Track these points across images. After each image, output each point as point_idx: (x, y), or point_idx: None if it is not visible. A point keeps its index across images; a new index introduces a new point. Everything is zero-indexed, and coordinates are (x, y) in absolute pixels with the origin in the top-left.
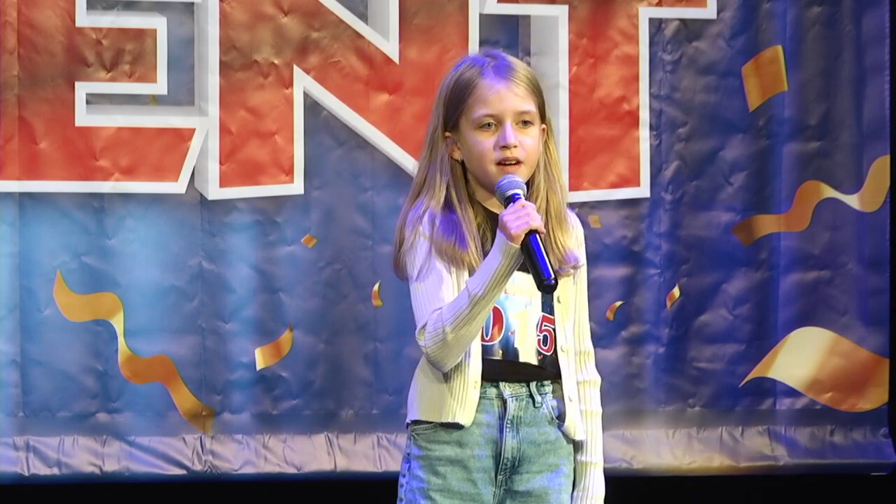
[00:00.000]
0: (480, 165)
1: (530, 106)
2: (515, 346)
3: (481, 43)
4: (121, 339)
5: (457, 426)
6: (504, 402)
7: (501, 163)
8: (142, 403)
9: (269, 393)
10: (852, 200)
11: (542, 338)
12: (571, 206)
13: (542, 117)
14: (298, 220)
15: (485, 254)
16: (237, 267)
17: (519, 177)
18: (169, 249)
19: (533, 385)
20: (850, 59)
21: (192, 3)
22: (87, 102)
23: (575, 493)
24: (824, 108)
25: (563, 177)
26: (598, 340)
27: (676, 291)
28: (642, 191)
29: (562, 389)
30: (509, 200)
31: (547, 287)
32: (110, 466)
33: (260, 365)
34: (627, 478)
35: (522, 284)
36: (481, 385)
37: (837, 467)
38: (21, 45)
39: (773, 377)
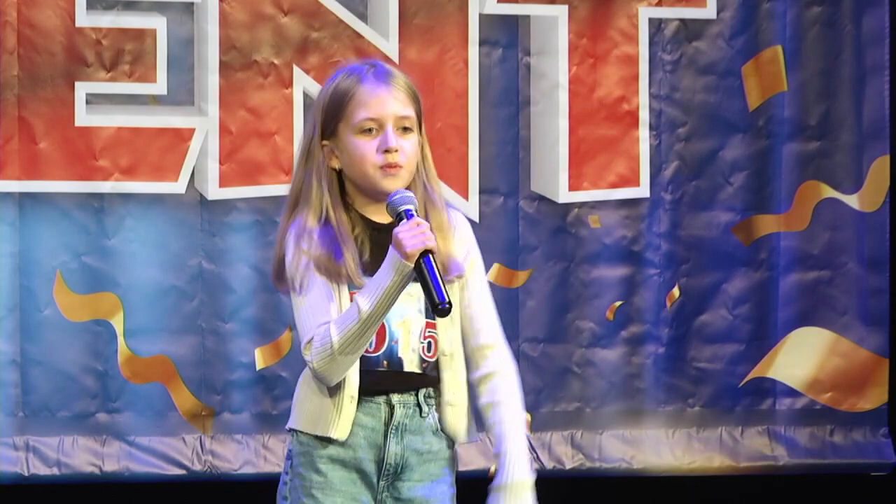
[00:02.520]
0: (361, 170)
1: (410, 112)
2: (399, 355)
3: (481, 43)
4: (121, 339)
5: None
6: (392, 407)
7: (383, 167)
8: (142, 403)
9: (269, 393)
10: (852, 200)
11: (426, 345)
12: (571, 206)
13: (420, 125)
14: None
15: (363, 265)
16: (237, 267)
17: (409, 191)
18: (169, 249)
19: (421, 394)
20: (850, 59)
21: (192, 3)
22: (87, 102)
23: (491, 485)
24: (824, 108)
25: (439, 184)
26: (598, 340)
27: (676, 291)
28: (642, 191)
29: (441, 395)
30: (401, 216)
31: (441, 311)
32: (110, 466)
33: (260, 365)
34: (627, 478)
35: (406, 289)
36: (365, 395)
37: (837, 467)
38: (21, 45)
39: (772, 377)
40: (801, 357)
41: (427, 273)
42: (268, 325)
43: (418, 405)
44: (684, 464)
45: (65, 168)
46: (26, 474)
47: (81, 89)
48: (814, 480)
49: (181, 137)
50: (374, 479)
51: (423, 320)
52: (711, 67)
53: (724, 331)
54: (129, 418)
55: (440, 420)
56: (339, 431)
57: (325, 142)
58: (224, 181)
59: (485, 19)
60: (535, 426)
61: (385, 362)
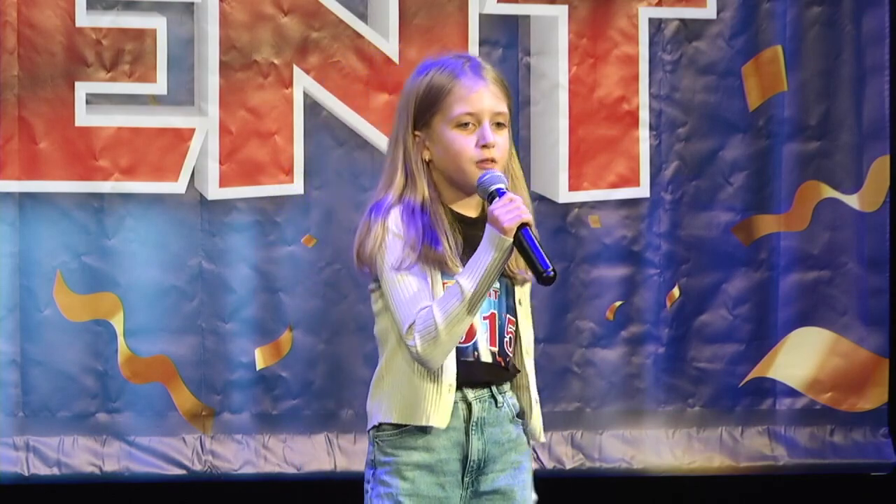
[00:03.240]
0: (457, 164)
1: (504, 108)
2: (488, 347)
3: (481, 43)
4: (121, 339)
5: (426, 430)
6: (469, 405)
7: (480, 162)
8: (142, 403)
9: (269, 393)
10: (852, 200)
11: (507, 339)
12: (571, 206)
13: (511, 121)
14: (298, 220)
15: (458, 256)
16: (237, 267)
17: (498, 170)
18: (169, 249)
19: (494, 386)
20: (850, 59)
21: (192, 3)
22: (87, 102)
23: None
24: (824, 108)
25: (524, 182)
26: (598, 340)
27: (676, 291)
28: (642, 191)
29: (525, 391)
30: (493, 195)
31: (546, 279)
32: (110, 466)
33: (260, 365)
34: (627, 478)
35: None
36: (461, 386)
37: (837, 467)
38: (21, 45)
39: (772, 377)
40: (801, 357)
41: (527, 244)
42: (268, 325)
43: (492, 397)
44: (684, 464)
45: (65, 168)
46: (26, 474)
47: (81, 89)
48: (814, 480)
49: (181, 137)
50: (460, 478)
51: (506, 316)
52: (711, 67)
53: (724, 331)
54: (129, 418)
55: (521, 413)
56: (439, 419)
57: (417, 133)
58: (224, 181)
59: (485, 19)
60: None
61: (475, 353)
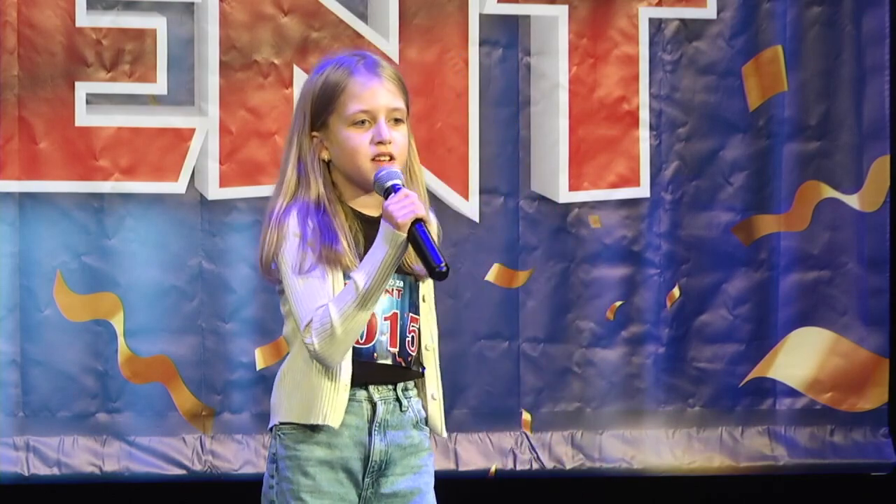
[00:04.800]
0: (353, 162)
1: (401, 103)
2: (387, 348)
3: (481, 43)
4: (121, 339)
5: (325, 428)
6: (374, 405)
7: (376, 158)
8: (142, 403)
9: (270, 393)
10: (852, 200)
11: (410, 339)
12: (571, 206)
13: (408, 115)
14: None
15: (358, 254)
16: (237, 267)
17: (394, 166)
18: (169, 249)
19: (399, 388)
20: (850, 59)
21: (192, 3)
22: (87, 102)
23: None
24: (824, 108)
25: (423, 175)
26: (598, 340)
27: (676, 291)
28: (642, 191)
29: (425, 388)
30: (389, 191)
31: (439, 274)
32: (110, 466)
33: (260, 365)
34: (627, 478)
35: (391, 285)
36: (351, 388)
37: (837, 467)
38: (21, 45)
39: (773, 377)
40: (802, 357)
41: (421, 239)
42: (268, 325)
43: (398, 400)
44: (684, 464)
45: (65, 168)
46: (26, 474)
47: (81, 89)
48: (814, 480)
49: (181, 137)
50: (360, 477)
51: (408, 315)
52: (711, 67)
53: (725, 331)
54: (130, 418)
55: (425, 417)
56: (334, 418)
57: (315, 133)
58: (224, 181)
59: (485, 19)
60: (535, 426)
61: (374, 354)
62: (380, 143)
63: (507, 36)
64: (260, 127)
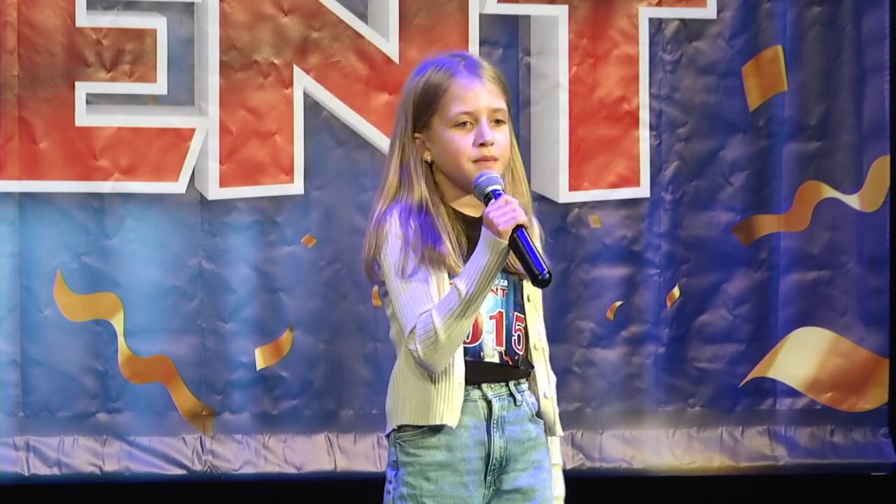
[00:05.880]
0: (456, 163)
1: (502, 104)
2: (494, 347)
3: (481, 43)
4: (121, 339)
5: (444, 428)
6: (489, 402)
7: (479, 160)
8: (142, 403)
9: (269, 393)
10: (852, 200)
11: (516, 337)
12: (571, 206)
13: (510, 117)
14: (298, 220)
15: (462, 255)
16: (237, 267)
17: (494, 171)
18: (169, 249)
19: (511, 384)
20: (850, 59)
21: (192, 3)
22: (87, 102)
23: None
24: (824, 108)
25: (525, 175)
26: (598, 340)
27: (676, 291)
28: (642, 191)
29: (537, 387)
30: (489, 197)
31: (542, 282)
32: (110, 466)
33: (260, 365)
34: (627, 478)
35: (494, 284)
36: (465, 387)
37: (837, 467)
38: (21, 45)
39: (773, 377)
40: (802, 357)
41: (523, 246)
42: (268, 325)
43: (511, 395)
44: (684, 464)
45: (65, 168)
46: (26, 474)
47: (81, 89)
48: (814, 480)
49: (181, 137)
50: (483, 476)
51: (513, 313)
52: (711, 67)
53: (725, 331)
54: (130, 418)
55: (539, 412)
56: (451, 417)
57: (417, 135)
58: (224, 181)
59: (485, 19)
60: None
61: (481, 353)
62: (482, 144)
63: (507, 36)
64: (260, 127)
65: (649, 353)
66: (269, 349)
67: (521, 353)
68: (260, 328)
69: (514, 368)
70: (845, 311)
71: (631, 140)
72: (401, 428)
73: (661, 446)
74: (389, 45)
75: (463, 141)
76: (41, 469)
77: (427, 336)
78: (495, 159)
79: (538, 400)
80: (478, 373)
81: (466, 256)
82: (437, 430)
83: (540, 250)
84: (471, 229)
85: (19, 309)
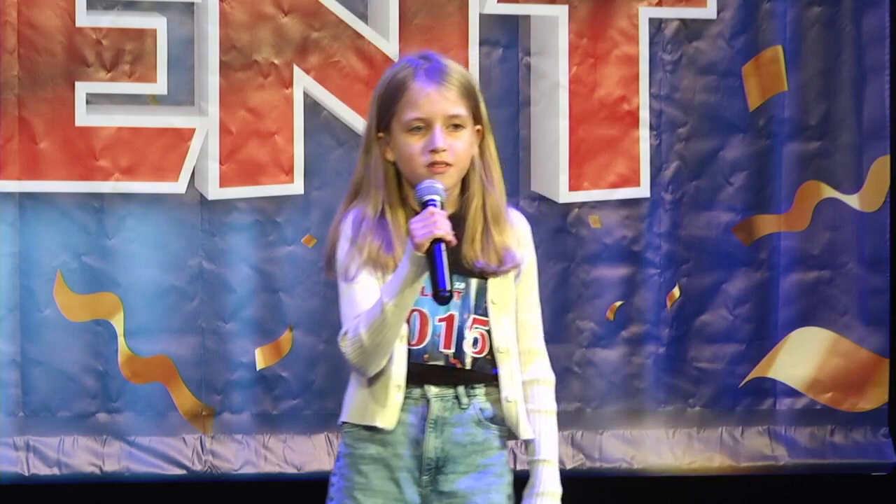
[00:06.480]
0: (410, 168)
1: (461, 110)
2: (441, 350)
3: (481, 43)
4: (121, 339)
5: (381, 428)
6: (428, 402)
7: (430, 165)
8: (142, 403)
9: (269, 393)
10: (852, 200)
11: (471, 340)
12: (571, 206)
13: (477, 119)
14: (298, 220)
15: None
16: (237, 267)
17: (442, 182)
18: (169, 249)
19: (461, 387)
20: (850, 59)
21: (192, 3)
22: (87, 102)
23: (526, 491)
24: (824, 108)
25: (500, 176)
26: (598, 340)
27: (676, 291)
28: (642, 191)
29: (498, 391)
30: (424, 206)
31: (440, 299)
32: (110, 466)
33: (260, 365)
34: (627, 478)
35: (456, 287)
36: (406, 387)
37: (837, 467)
38: (21, 45)
39: (773, 377)
40: (802, 357)
41: (434, 260)
42: (268, 325)
43: (457, 397)
44: (684, 464)
45: (65, 168)
46: (26, 474)
47: (81, 89)
48: (814, 480)
49: (181, 137)
50: (418, 475)
51: (470, 315)
52: (711, 67)
53: (725, 331)
54: (130, 418)
55: (496, 417)
56: (386, 420)
57: (380, 134)
58: (224, 181)
59: (485, 19)
60: None
61: (426, 356)
62: (433, 150)
63: (507, 36)
64: (260, 127)
65: (649, 353)
66: (269, 349)
67: (477, 355)
68: (260, 328)
69: (469, 372)
70: (845, 311)
71: (631, 140)
72: (344, 423)
73: (661, 446)
74: (389, 45)
75: (415, 147)
76: (41, 469)
77: (355, 341)
78: (448, 165)
79: (500, 403)
80: (421, 374)
81: None
82: (374, 427)
83: (447, 268)
84: None
85: (19, 309)
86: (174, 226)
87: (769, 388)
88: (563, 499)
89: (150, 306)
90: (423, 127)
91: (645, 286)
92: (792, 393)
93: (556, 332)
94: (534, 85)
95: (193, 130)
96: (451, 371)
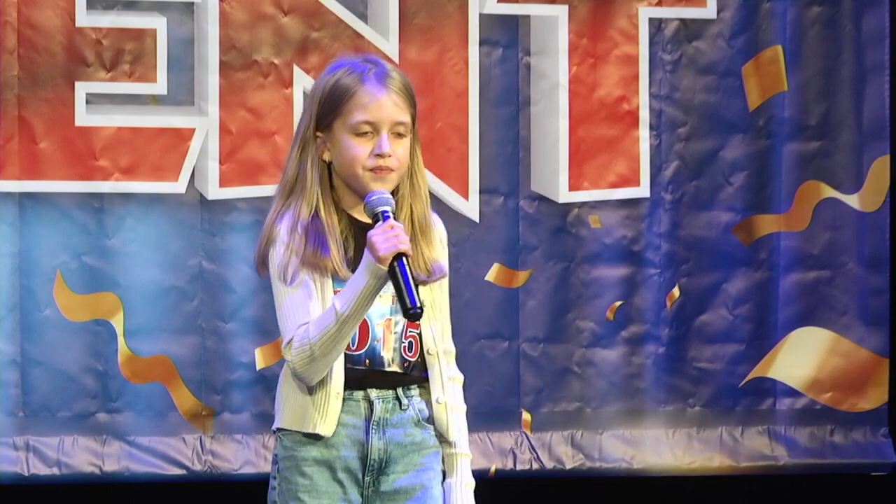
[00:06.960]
0: (352, 170)
1: (406, 117)
2: (381, 354)
3: (481, 43)
4: (121, 339)
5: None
6: (371, 403)
7: (374, 169)
8: (142, 403)
9: (269, 393)
10: (852, 200)
11: (406, 344)
12: (571, 206)
13: (413, 127)
14: None
15: (347, 261)
16: (237, 267)
17: (387, 191)
18: (169, 249)
19: (399, 389)
20: (850, 59)
21: (192, 3)
22: (87, 102)
23: (448, 481)
24: (824, 108)
25: (426, 185)
26: (598, 340)
27: (676, 291)
28: (642, 191)
29: (428, 392)
30: (378, 217)
31: (412, 315)
32: (110, 466)
33: (260, 365)
34: (627, 478)
35: (385, 291)
36: (346, 391)
37: (837, 467)
38: (21, 45)
39: (773, 377)
40: (802, 357)
41: (400, 276)
42: (268, 325)
43: (397, 398)
44: (684, 464)
45: (65, 168)
46: (26, 474)
47: (81, 89)
48: (814, 480)
49: (181, 137)
50: (360, 476)
51: (404, 320)
52: (711, 67)
53: (725, 331)
54: (129, 418)
55: (430, 418)
56: (326, 427)
57: (318, 133)
58: (224, 181)
59: (485, 19)
60: (535, 426)
61: (367, 361)
62: (378, 155)
63: (507, 36)
64: (260, 127)
65: (649, 353)
66: (269, 349)
67: (412, 359)
68: (260, 328)
69: (403, 375)
70: (845, 311)
71: (631, 140)
72: (280, 429)
73: (661, 446)
74: (389, 45)
75: (361, 149)
76: (41, 469)
77: (302, 350)
78: (391, 170)
79: (431, 405)
80: (362, 379)
81: (355, 262)
82: (313, 434)
83: (414, 282)
84: (362, 235)
85: (19, 309)
86: (174, 226)
87: (769, 388)
88: (564, 498)
89: (149, 306)
90: (371, 131)
91: (645, 286)
92: (792, 393)
93: (556, 332)
94: (534, 85)
95: (193, 130)
96: (391, 375)
